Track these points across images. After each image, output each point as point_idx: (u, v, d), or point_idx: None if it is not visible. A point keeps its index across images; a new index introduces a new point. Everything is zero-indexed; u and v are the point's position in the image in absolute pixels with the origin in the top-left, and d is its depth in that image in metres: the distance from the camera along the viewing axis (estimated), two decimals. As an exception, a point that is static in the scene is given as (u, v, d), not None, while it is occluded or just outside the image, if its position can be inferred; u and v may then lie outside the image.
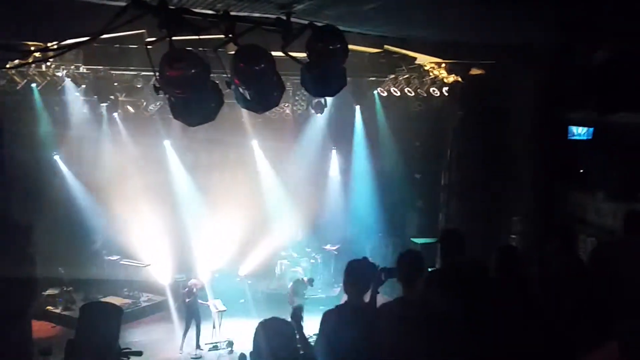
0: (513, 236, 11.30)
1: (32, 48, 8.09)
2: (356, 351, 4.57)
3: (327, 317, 4.86)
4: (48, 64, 10.65)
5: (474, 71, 11.77)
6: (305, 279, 13.22)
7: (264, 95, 4.80)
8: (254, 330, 3.89)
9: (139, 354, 3.76)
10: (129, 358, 3.71)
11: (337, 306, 4.96)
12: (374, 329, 4.62)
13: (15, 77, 10.90)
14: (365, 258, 5.06)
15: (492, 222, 11.72)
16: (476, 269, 5.27)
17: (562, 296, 4.52)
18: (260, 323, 3.91)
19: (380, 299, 5.05)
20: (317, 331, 4.89)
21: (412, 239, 14.64)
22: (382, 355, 4.55)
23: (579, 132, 10.80)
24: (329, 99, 13.79)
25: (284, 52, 4.77)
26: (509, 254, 5.23)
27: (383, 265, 5.13)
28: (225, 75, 4.62)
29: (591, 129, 10.57)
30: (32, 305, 9.56)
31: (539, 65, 9.91)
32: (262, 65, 4.45)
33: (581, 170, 10.91)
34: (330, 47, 4.77)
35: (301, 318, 4.72)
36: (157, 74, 4.20)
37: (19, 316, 8.41)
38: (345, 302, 4.90)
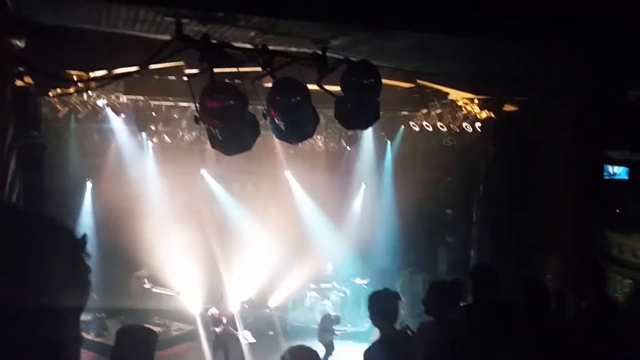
0: (547, 275, 11.06)
1: (76, 77, 8.35)
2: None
3: (369, 356, 4.84)
4: (89, 93, 10.93)
5: (508, 107, 11.71)
6: (333, 315, 13.10)
7: (298, 127, 4.92)
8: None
9: None
10: None
11: (374, 342, 4.96)
12: (415, 353, 4.62)
13: (58, 105, 11.18)
14: (386, 289, 5.07)
15: (525, 260, 11.50)
16: (507, 306, 5.23)
17: (593, 336, 4.44)
18: (286, 351, 3.94)
19: None
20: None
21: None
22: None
23: (615, 171, 10.64)
24: (361, 132, 13.87)
25: (319, 86, 4.89)
26: (539, 291, 5.17)
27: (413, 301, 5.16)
28: (261, 107, 4.75)
29: (627, 169, 10.41)
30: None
31: (573, 103, 9.84)
32: (298, 98, 4.58)
33: (617, 210, 10.69)
34: (365, 81, 4.88)
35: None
36: (197, 104, 4.34)
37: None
38: (380, 336, 4.89)
